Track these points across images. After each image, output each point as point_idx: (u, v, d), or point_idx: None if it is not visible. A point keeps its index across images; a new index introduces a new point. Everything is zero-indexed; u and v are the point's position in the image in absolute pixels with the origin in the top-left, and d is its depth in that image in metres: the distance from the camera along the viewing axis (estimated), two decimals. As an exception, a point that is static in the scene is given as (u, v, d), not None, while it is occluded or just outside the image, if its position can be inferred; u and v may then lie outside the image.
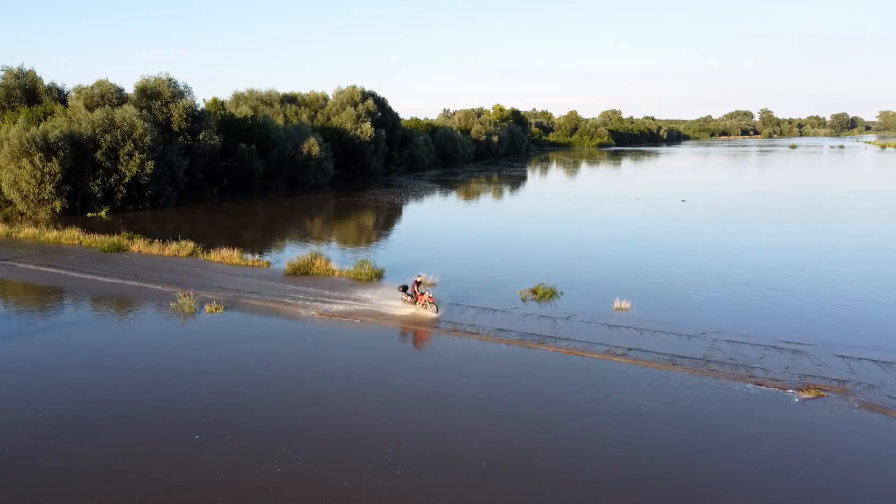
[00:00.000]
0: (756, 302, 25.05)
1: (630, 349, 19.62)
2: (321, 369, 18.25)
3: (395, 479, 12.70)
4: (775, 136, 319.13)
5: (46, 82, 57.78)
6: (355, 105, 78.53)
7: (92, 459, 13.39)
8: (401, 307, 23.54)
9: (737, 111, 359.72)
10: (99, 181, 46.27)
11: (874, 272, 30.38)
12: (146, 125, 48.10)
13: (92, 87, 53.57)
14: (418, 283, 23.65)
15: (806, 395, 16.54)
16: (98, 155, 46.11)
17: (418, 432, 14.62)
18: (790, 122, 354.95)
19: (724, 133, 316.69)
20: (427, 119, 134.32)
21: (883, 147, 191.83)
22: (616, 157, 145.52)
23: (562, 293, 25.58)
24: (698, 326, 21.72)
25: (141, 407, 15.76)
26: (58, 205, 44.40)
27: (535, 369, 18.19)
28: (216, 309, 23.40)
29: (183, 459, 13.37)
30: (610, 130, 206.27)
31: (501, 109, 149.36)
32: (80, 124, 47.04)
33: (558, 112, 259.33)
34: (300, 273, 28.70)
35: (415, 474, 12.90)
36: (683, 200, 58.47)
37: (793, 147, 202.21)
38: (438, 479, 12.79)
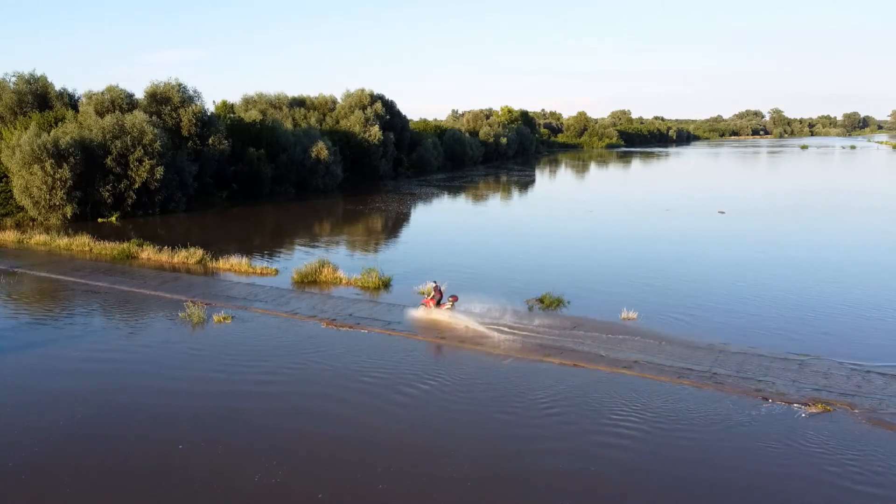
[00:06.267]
0: (765, 311, 24.93)
1: (635, 361, 19.60)
2: (322, 381, 18.32)
3: (381, 494, 12.77)
4: (786, 135, 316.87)
5: (58, 87, 58.17)
6: (364, 108, 78.73)
7: (91, 468, 13.55)
8: None
9: (747, 111, 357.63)
10: (109, 187, 46.63)
11: (888, 279, 30.16)
12: (156, 131, 48.46)
13: (102, 93, 53.97)
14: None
15: (813, 410, 16.47)
16: (108, 161, 46.47)
17: (416, 449, 14.68)
18: (801, 121, 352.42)
19: (735, 133, 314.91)
20: (436, 120, 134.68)
21: (895, 147, 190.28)
22: (627, 158, 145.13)
23: (569, 302, 25.59)
24: (705, 337, 21.66)
25: (142, 419, 15.91)
26: (69, 211, 44.77)
27: (538, 382, 18.20)
28: (224, 319, 23.56)
29: (167, 468, 13.51)
30: (619, 131, 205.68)
31: (510, 111, 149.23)
32: (91, 130, 47.44)
33: (567, 112, 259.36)
34: (308, 281, 28.85)
35: (407, 492, 12.97)
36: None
37: (804, 147, 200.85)
38: (430, 496, 12.85)
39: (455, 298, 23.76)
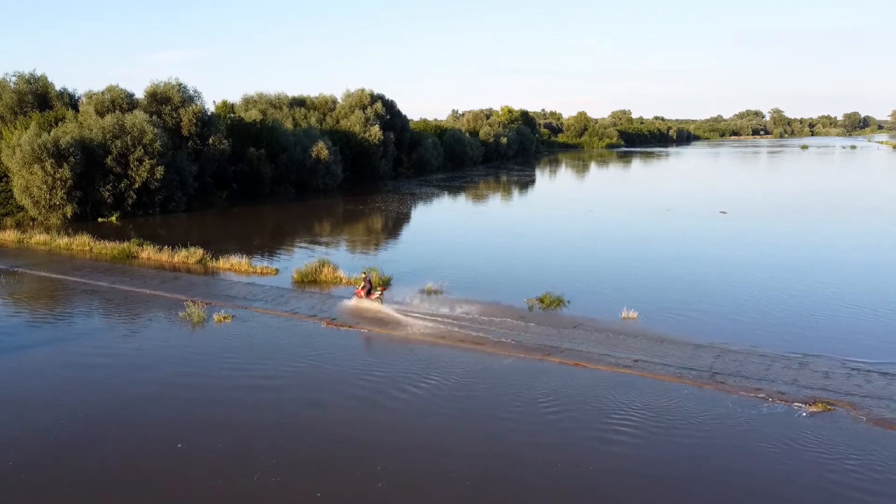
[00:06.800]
0: (765, 311, 24.93)
1: (636, 360, 19.59)
2: (321, 380, 18.33)
3: (380, 493, 12.77)
4: (786, 135, 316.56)
5: (58, 87, 58.13)
6: (364, 108, 78.68)
7: (92, 468, 13.55)
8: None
9: (747, 111, 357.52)
10: (109, 187, 46.62)
11: (888, 279, 30.12)
12: (156, 131, 48.45)
13: (103, 93, 53.93)
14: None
15: (813, 409, 16.46)
16: (108, 161, 46.46)
17: (415, 448, 14.69)
18: (801, 121, 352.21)
19: (735, 133, 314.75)
20: (436, 120, 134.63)
21: (895, 147, 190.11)
22: (627, 158, 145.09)
23: (569, 302, 25.56)
24: (706, 337, 21.65)
25: (142, 419, 15.90)
26: (69, 210, 44.75)
27: (539, 381, 18.19)
28: (224, 318, 23.55)
29: (167, 467, 13.55)
30: (619, 131, 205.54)
31: (510, 111, 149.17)
32: (91, 130, 47.44)
33: (567, 112, 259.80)
34: (308, 281, 28.84)
35: (406, 491, 12.96)
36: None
37: (804, 147, 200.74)
38: (429, 496, 12.84)
39: (383, 288, 25.63)
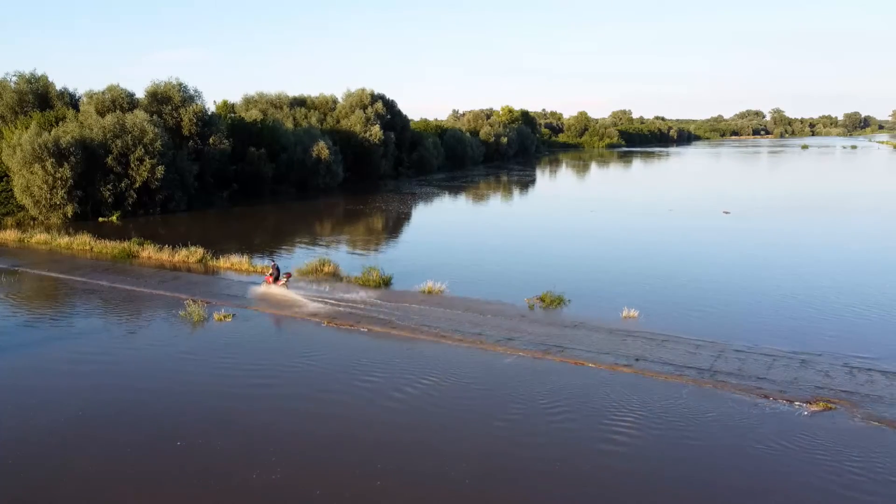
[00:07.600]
0: (766, 310, 24.89)
1: (637, 360, 19.57)
2: (320, 379, 18.32)
3: (379, 491, 12.75)
4: (787, 135, 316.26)
5: (58, 87, 58.14)
6: (364, 108, 78.67)
7: (92, 466, 13.55)
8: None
9: (748, 111, 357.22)
10: (110, 186, 46.64)
11: (889, 278, 30.08)
12: (157, 130, 48.46)
13: (103, 93, 53.93)
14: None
15: (814, 408, 16.43)
16: (109, 160, 46.48)
17: (414, 447, 14.68)
18: (802, 121, 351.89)
19: (735, 133, 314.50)
20: (436, 120, 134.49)
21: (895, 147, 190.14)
22: (628, 158, 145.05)
23: (570, 301, 25.54)
24: (707, 336, 21.61)
25: (142, 417, 15.90)
26: (69, 210, 44.79)
27: (539, 380, 18.17)
28: (225, 317, 23.55)
29: (166, 466, 13.53)
30: (620, 131, 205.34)
31: (511, 111, 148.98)
32: (92, 129, 47.46)
33: (568, 112, 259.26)
34: (309, 280, 28.80)
35: (405, 489, 12.94)
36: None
37: (804, 147, 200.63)
38: (429, 494, 12.83)
39: (289, 276, 27.27)
